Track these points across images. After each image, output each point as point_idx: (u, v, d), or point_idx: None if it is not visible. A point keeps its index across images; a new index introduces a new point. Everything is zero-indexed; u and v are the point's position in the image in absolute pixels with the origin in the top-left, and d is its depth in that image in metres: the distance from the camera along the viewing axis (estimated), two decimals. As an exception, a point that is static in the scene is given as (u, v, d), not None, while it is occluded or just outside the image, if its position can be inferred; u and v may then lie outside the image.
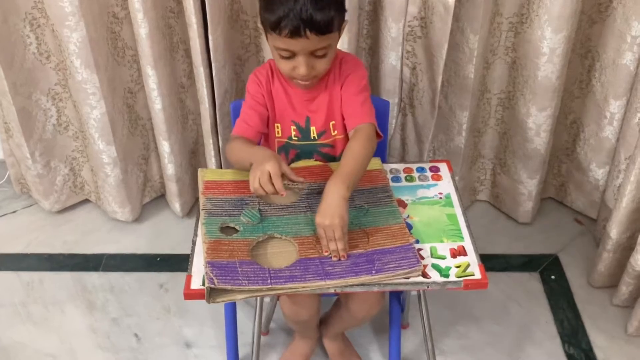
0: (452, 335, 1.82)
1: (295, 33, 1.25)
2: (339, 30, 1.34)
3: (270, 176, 1.24)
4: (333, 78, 1.43)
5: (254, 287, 1.18)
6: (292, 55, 1.30)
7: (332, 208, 1.24)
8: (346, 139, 1.46)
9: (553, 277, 1.98)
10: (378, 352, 1.78)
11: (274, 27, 1.27)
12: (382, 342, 1.79)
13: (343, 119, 1.45)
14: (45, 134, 2.06)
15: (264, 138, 1.53)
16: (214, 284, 1.16)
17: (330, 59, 1.35)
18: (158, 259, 2.07)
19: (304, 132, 1.47)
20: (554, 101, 1.88)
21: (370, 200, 1.38)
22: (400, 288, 1.24)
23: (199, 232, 1.33)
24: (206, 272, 1.19)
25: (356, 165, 1.32)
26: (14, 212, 2.26)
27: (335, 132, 1.47)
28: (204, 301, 1.19)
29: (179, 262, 2.01)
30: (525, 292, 1.94)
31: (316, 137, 1.47)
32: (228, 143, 1.44)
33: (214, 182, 1.42)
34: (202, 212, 1.35)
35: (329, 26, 1.27)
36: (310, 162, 1.46)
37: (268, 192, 1.24)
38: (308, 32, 1.25)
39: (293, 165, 1.46)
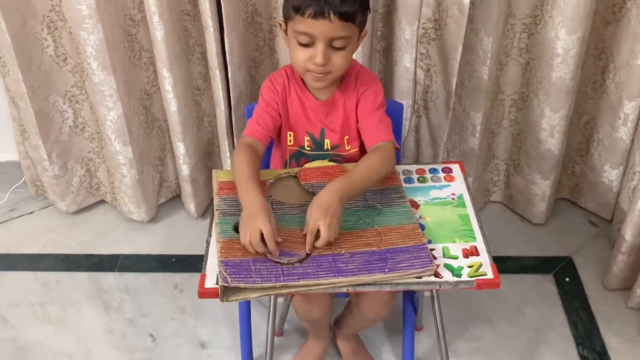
0: (465, 337, 1.82)
1: (319, 14, 1.27)
2: (360, 30, 1.35)
3: (262, 235, 1.23)
4: (348, 93, 1.44)
5: (267, 284, 1.18)
6: (310, 42, 1.31)
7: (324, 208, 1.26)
8: (360, 152, 1.47)
9: (567, 279, 1.98)
10: (391, 354, 1.78)
11: (297, 8, 1.28)
12: (395, 343, 1.79)
13: (357, 134, 1.46)
14: (62, 136, 2.08)
15: (276, 143, 1.54)
16: (228, 283, 1.17)
17: (346, 57, 1.35)
18: (173, 259, 2.09)
19: (317, 144, 1.48)
20: (568, 102, 1.87)
21: (384, 200, 1.38)
22: (413, 288, 1.24)
23: (213, 232, 1.34)
24: (220, 271, 1.20)
25: (364, 179, 1.35)
26: (31, 213, 2.29)
27: (349, 146, 1.48)
28: (218, 302, 1.19)
29: (194, 263, 2.03)
30: (539, 294, 1.93)
31: (329, 149, 1.48)
32: (238, 144, 1.44)
33: (229, 182, 1.43)
34: (216, 212, 1.36)
35: (352, 16, 1.29)
36: (324, 163, 1.46)
37: (259, 252, 1.23)
38: (332, 15, 1.26)
39: (307, 165, 1.46)
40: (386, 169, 1.40)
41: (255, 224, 1.23)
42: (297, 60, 1.35)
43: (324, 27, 1.28)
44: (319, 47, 1.31)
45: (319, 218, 1.25)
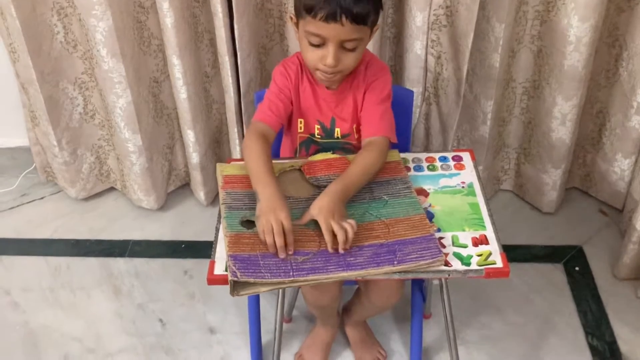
0: (474, 325, 1.82)
1: (330, 17, 1.25)
2: (372, 30, 1.34)
3: (283, 228, 1.22)
4: (357, 82, 1.43)
5: (277, 279, 1.18)
6: (322, 43, 1.30)
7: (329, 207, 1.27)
8: None
9: (577, 268, 1.97)
10: (399, 341, 1.78)
11: (309, 9, 1.27)
12: (403, 331, 1.80)
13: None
14: (71, 123, 2.09)
15: (286, 130, 1.53)
16: (237, 277, 1.17)
17: (357, 56, 1.34)
18: (183, 245, 2.10)
19: (327, 132, 1.47)
20: (580, 90, 1.86)
21: (390, 191, 1.37)
22: (422, 276, 1.24)
23: (221, 226, 1.33)
24: (229, 266, 1.19)
25: (360, 178, 1.35)
26: (42, 198, 2.30)
27: (358, 135, 1.47)
28: (227, 287, 1.20)
29: (203, 249, 2.02)
30: (549, 283, 1.93)
31: (340, 138, 1.48)
32: (249, 131, 1.42)
33: (234, 176, 1.42)
34: (222, 207, 1.34)
35: (365, 18, 1.28)
36: (329, 155, 1.45)
37: (278, 244, 1.21)
38: (344, 19, 1.25)
39: (311, 158, 1.45)
40: (380, 164, 1.40)
41: (278, 216, 1.23)
42: (308, 59, 1.35)
43: (336, 31, 1.27)
44: (330, 49, 1.30)
45: (328, 219, 1.24)
